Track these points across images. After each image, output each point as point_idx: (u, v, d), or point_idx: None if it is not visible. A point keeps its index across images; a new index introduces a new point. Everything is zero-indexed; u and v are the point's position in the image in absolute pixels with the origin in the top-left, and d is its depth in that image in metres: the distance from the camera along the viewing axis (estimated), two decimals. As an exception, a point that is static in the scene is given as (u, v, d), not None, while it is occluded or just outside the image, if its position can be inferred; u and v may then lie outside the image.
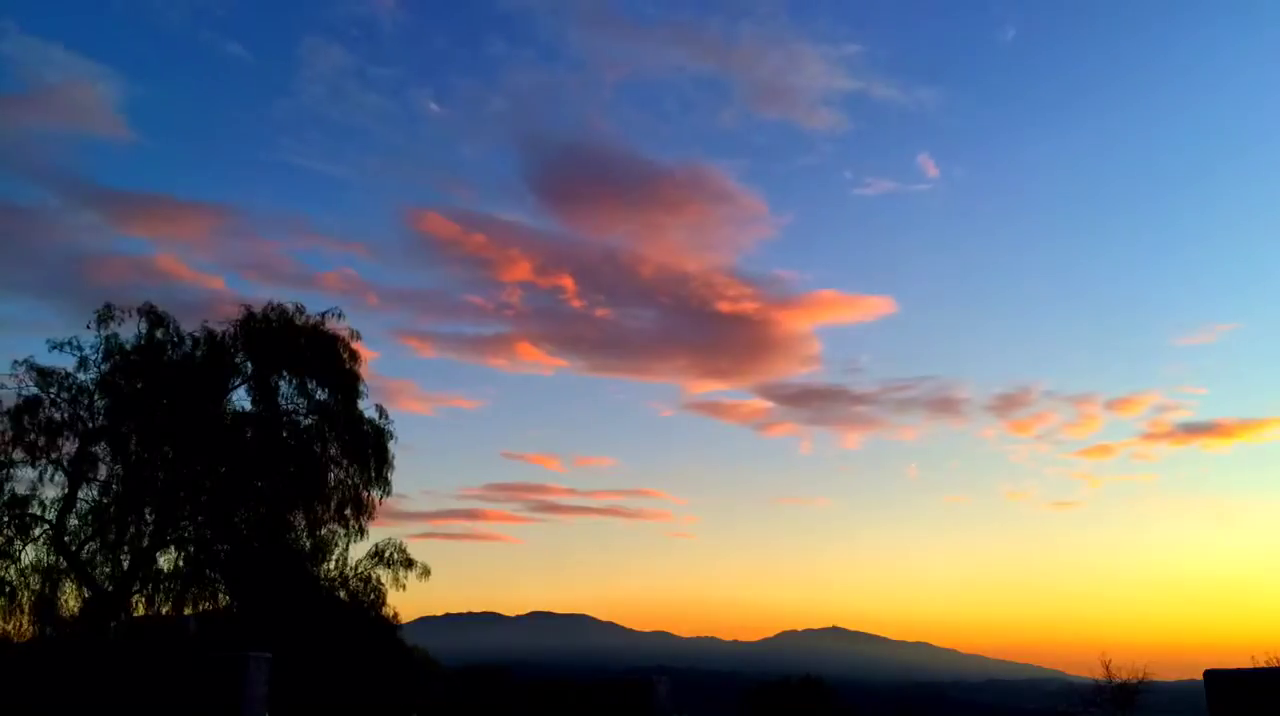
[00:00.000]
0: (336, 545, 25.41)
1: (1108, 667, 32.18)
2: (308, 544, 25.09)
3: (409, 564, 25.98)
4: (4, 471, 22.68)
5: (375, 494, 25.66)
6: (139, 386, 23.97)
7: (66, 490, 23.29)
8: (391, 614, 26.04)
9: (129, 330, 24.24)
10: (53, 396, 23.34)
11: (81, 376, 23.72)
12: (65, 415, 23.40)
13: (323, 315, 25.58)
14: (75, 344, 23.70)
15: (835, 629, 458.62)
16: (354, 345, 25.86)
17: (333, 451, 25.45)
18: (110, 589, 23.36)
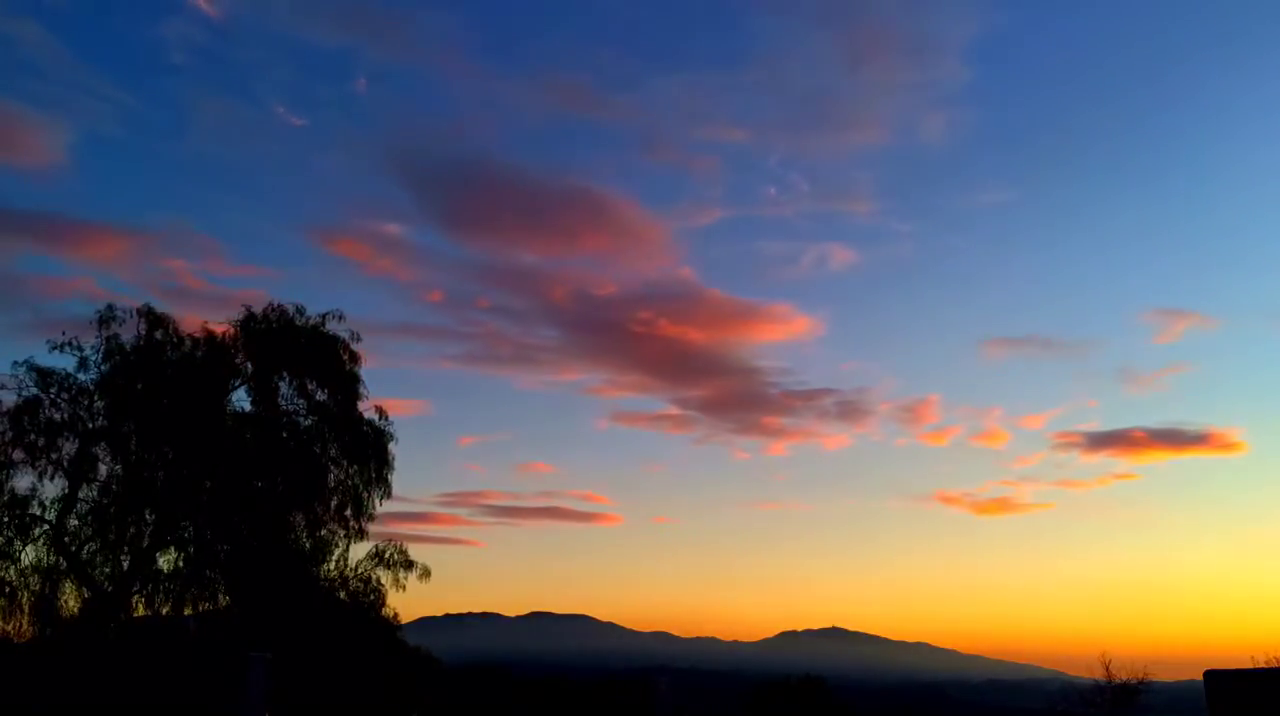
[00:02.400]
0: (336, 546, 25.45)
1: (1108, 668, 32.18)
2: (308, 544, 25.11)
3: (409, 565, 26.00)
4: (4, 471, 22.67)
5: (375, 495, 25.71)
6: (139, 387, 23.97)
7: (66, 490, 23.29)
8: (391, 614, 26.07)
9: (129, 331, 24.28)
10: (53, 397, 23.34)
11: (81, 377, 23.76)
12: (65, 416, 23.40)
13: (323, 316, 25.62)
14: (75, 345, 23.72)
15: (835, 629, 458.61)
16: (354, 347, 25.90)
17: (333, 452, 25.47)
18: (110, 589, 23.36)
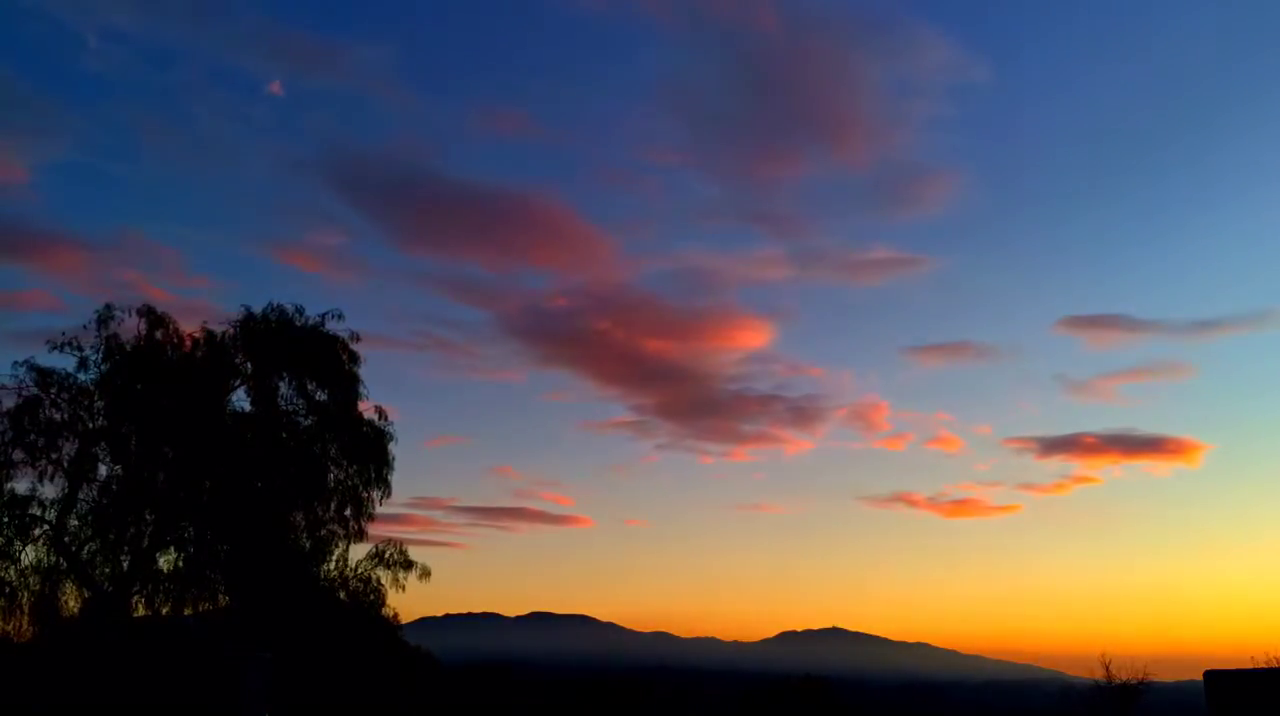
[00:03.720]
0: (336, 546, 25.47)
1: (1108, 668, 32.22)
2: (308, 544, 25.12)
3: (408, 565, 26.03)
4: (4, 472, 22.68)
5: (375, 495, 25.73)
6: (139, 387, 23.98)
7: (66, 490, 23.29)
8: (391, 614, 26.10)
9: (129, 331, 24.28)
10: (53, 397, 23.34)
11: (81, 377, 23.75)
12: (65, 416, 23.40)
13: (322, 317, 25.64)
14: (75, 345, 23.70)
15: (835, 629, 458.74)
16: (353, 347, 25.91)
17: (332, 452, 25.49)
18: (110, 589, 23.37)
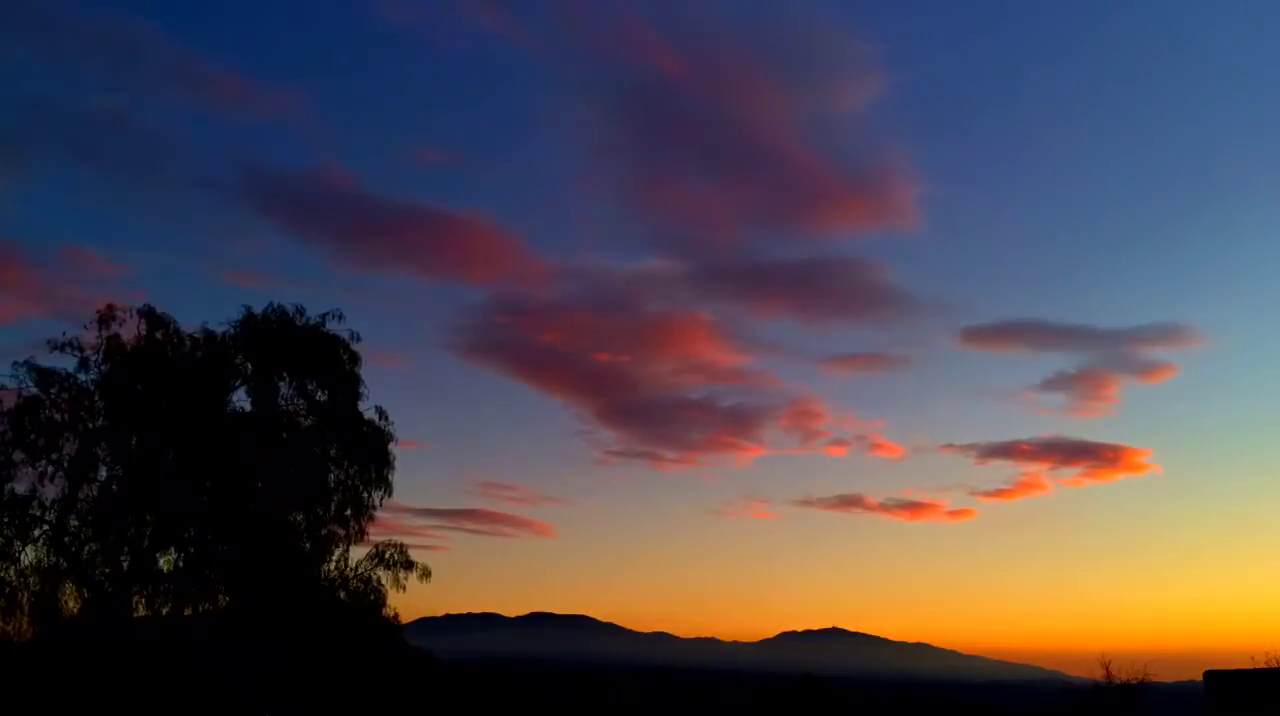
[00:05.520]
0: (337, 546, 25.43)
1: (1108, 668, 32.28)
2: (308, 544, 25.11)
3: (409, 565, 25.99)
4: (4, 472, 22.67)
5: (375, 495, 25.70)
6: (139, 387, 23.97)
7: (66, 490, 23.27)
8: (392, 615, 26.07)
9: (129, 331, 24.27)
10: (53, 397, 23.32)
11: (82, 377, 23.72)
12: (65, 416, 23.38)
13: (323, 317, 25.59)
14: (76, 345, 23.69)
15: (835, 629, 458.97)
16: (354, 347, 25.89)
17: (333, 452, 25.48)
18: (110, 589, 23.36)
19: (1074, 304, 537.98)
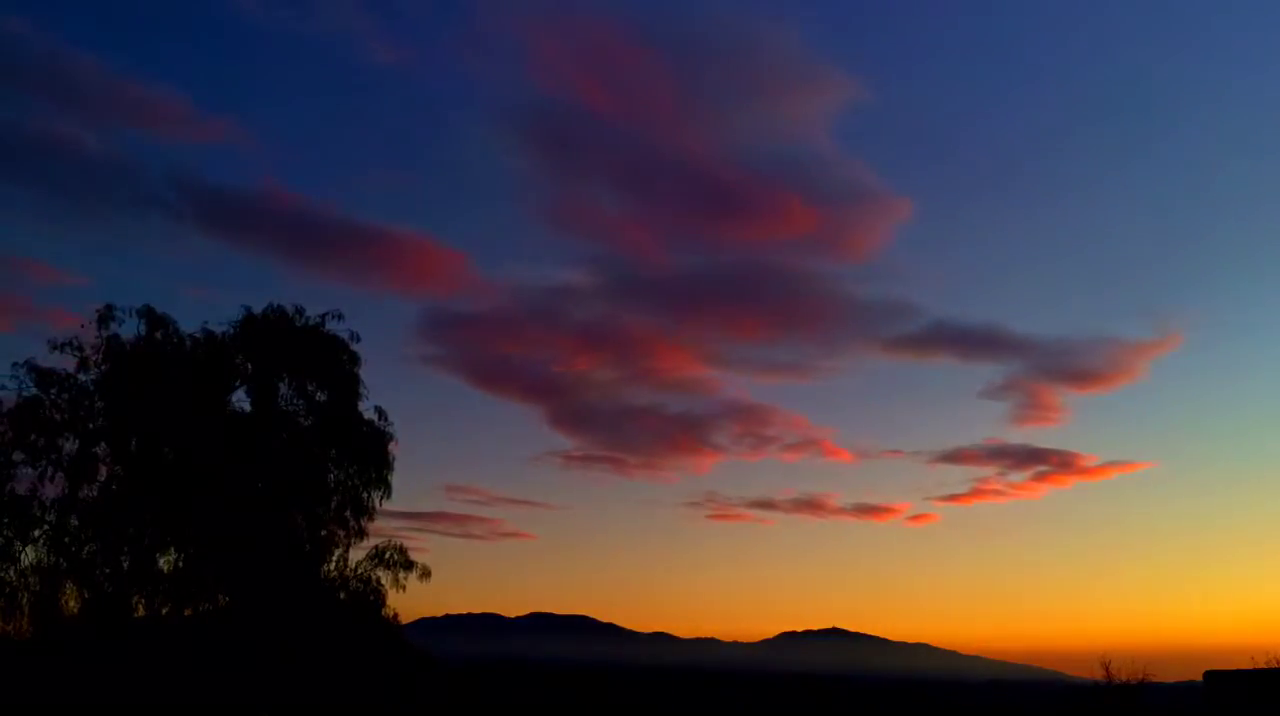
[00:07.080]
0: (337, 546, 25.44)
1: (1107, 668, 32.28)
2: (308, 545, 25.12)
3: (409, 565, 25.99)
4: (4, 471, 22.69)
5: (375, 495, 25.71)
6: (139, 387, 23.98)
7: (66, 490, 23.29)
8: (392, 615, 26.06)
9: (129, 331, 24.29)
10: (53, 397, 23.35)
11: (82, 377, 23.75)
12: (65, 416, 23.40)
13: (323, 317, 25.62)
14: (75, 345, 23.71)
15: (835, 629, 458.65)
16: (353, 347, 25.90)
17: (333, 452, 25.48)
18: (110, 589, 23.38)
19: (1023, 310, 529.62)
